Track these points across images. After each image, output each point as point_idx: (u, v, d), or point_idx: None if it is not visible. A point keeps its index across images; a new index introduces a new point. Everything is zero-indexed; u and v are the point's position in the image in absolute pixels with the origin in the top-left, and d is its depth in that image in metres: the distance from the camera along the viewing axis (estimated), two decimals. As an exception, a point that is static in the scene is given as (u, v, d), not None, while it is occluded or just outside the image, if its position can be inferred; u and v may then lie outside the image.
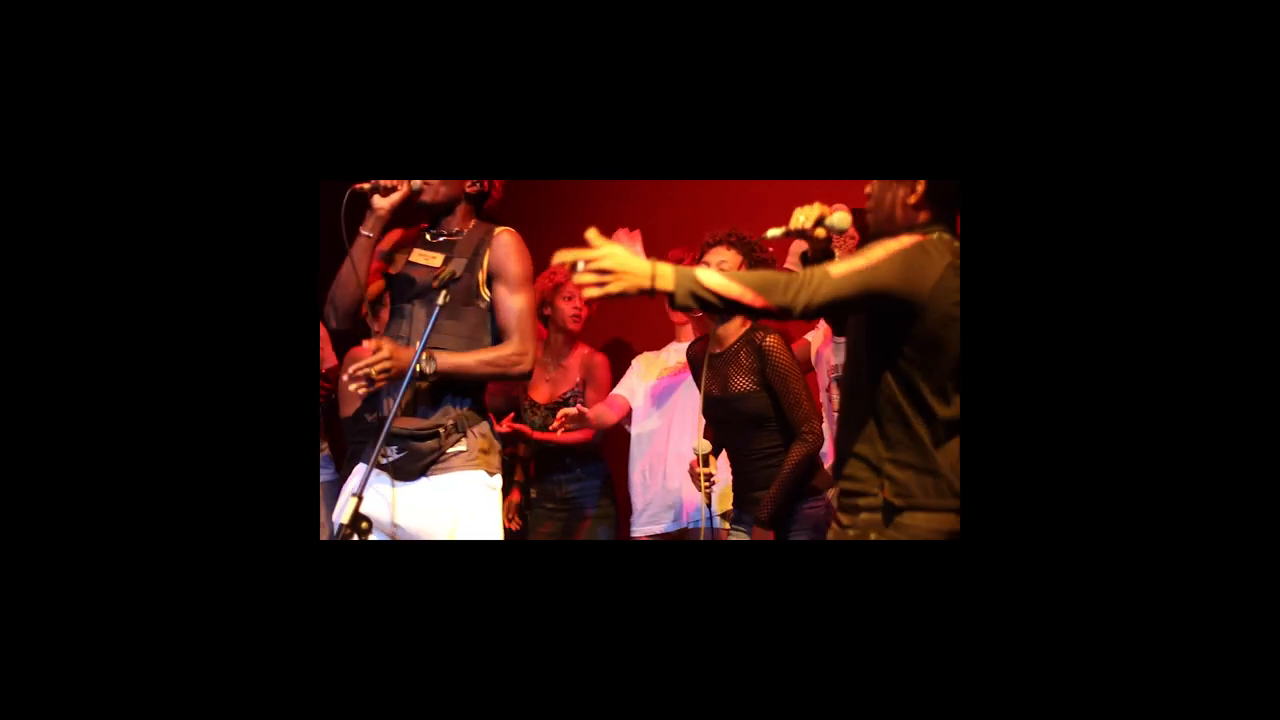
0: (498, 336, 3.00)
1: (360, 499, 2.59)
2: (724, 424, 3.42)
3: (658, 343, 4.30)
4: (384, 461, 2.92)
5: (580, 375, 4.31)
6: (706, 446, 3.29)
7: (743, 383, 3.33)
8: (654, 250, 4.93)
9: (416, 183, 2.98)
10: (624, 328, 4.50)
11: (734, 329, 3.39)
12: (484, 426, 2.99)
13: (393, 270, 3.06)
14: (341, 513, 2.64)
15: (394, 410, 2.70)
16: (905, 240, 2.41)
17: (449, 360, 2.86)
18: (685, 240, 4.91)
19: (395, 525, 2.95)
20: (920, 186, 2.49)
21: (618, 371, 4.34)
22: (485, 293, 2.98)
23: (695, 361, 3.55)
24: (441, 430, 2.89)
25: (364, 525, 2.58)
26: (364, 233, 2.91)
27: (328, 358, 4.31)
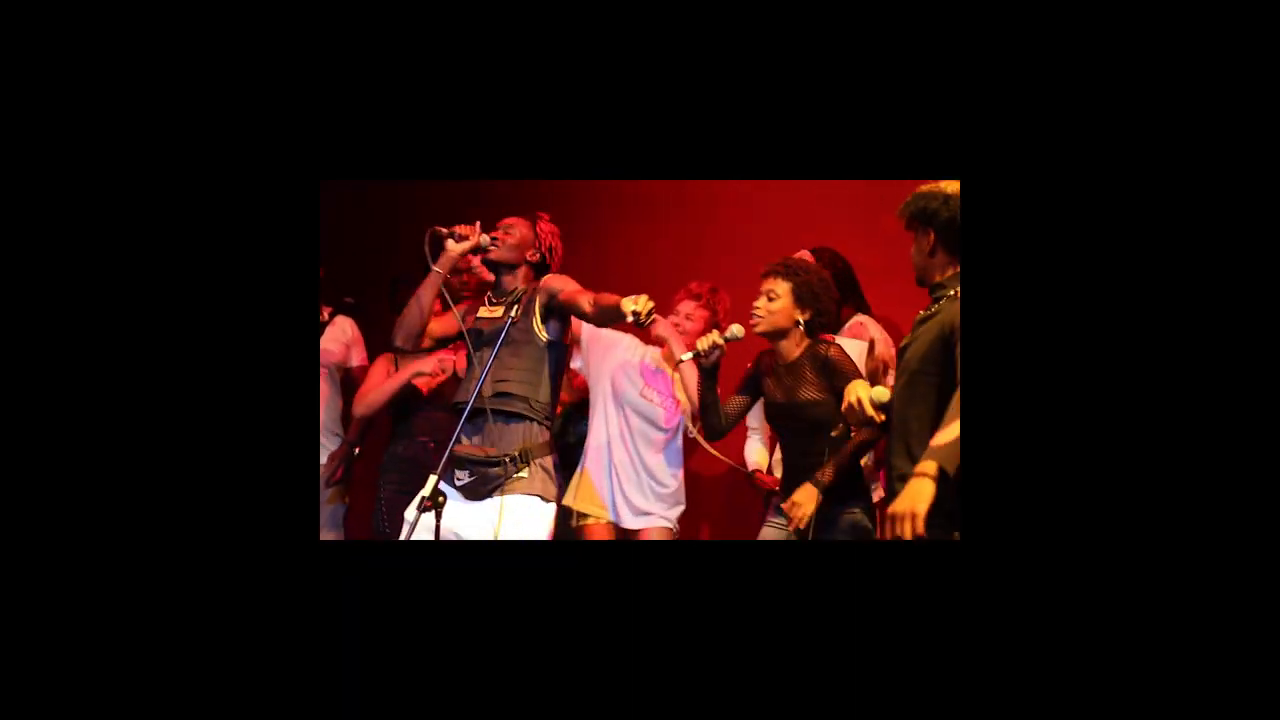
0: (555, 369, 3.40)
1: (439, 477, 2.92)
2: (788, 427, 3.72)
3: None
4: (458, 484, 3.29)
5: None
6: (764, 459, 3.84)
7: (810, 392, 3.59)
8: (655, 254, 4.93)
9: (485, 238, 3.37)
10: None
11: (794, 344, 3.65)
12: (548, 460, 3.33)
13: (466, 328, 3.47)
14: (423, 488, 2.95)
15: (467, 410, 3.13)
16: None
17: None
18: (685, 242, 4.93)
19: (456, 535, 3.31)
20: (932, 236, 2.78)
21: None
22: (541, 332, 3.35)
23: (762, 372, 3.80)
24: (506, 459, 3.25)
25: (440, 499, 2.90)
26: (435, 269, 3.31)
27: (359, 357, 4.54)
